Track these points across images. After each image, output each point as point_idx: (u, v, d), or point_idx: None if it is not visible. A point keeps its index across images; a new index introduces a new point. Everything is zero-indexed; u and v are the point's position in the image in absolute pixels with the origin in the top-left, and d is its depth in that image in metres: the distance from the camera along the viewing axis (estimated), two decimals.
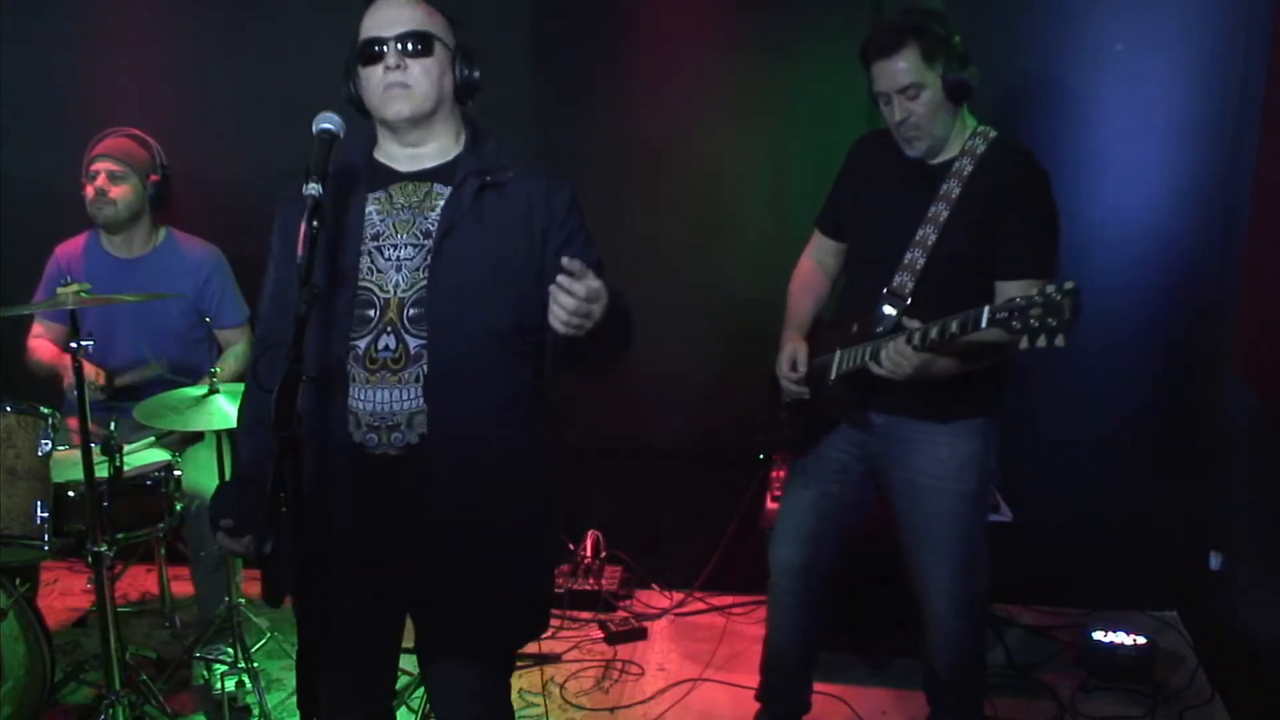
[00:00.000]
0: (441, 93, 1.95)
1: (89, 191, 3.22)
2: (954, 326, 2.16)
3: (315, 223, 1.74)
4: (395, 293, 1.90)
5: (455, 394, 1.90)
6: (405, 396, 1.89)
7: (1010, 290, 2.32)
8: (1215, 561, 3.18)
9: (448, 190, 1.95)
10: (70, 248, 3.34)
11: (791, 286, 2.75)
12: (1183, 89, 3.24)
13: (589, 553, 3.75)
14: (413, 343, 1.89)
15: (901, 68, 2.34)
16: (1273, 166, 2.93)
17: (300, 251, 1.73)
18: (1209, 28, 3.19)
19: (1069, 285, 1.98)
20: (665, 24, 3.53)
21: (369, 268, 1.92)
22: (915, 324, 2.26)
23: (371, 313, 1.89)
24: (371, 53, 1.92)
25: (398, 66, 1.90)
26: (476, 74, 2.01)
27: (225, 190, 3.61)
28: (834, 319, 2.65)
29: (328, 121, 1.85)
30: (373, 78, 1.92)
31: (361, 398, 1.89)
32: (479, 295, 1.91)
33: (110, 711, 2.67)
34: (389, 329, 1.89)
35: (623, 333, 1.88)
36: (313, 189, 1.74)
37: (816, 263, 2.75)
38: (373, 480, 1.92)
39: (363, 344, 1.89)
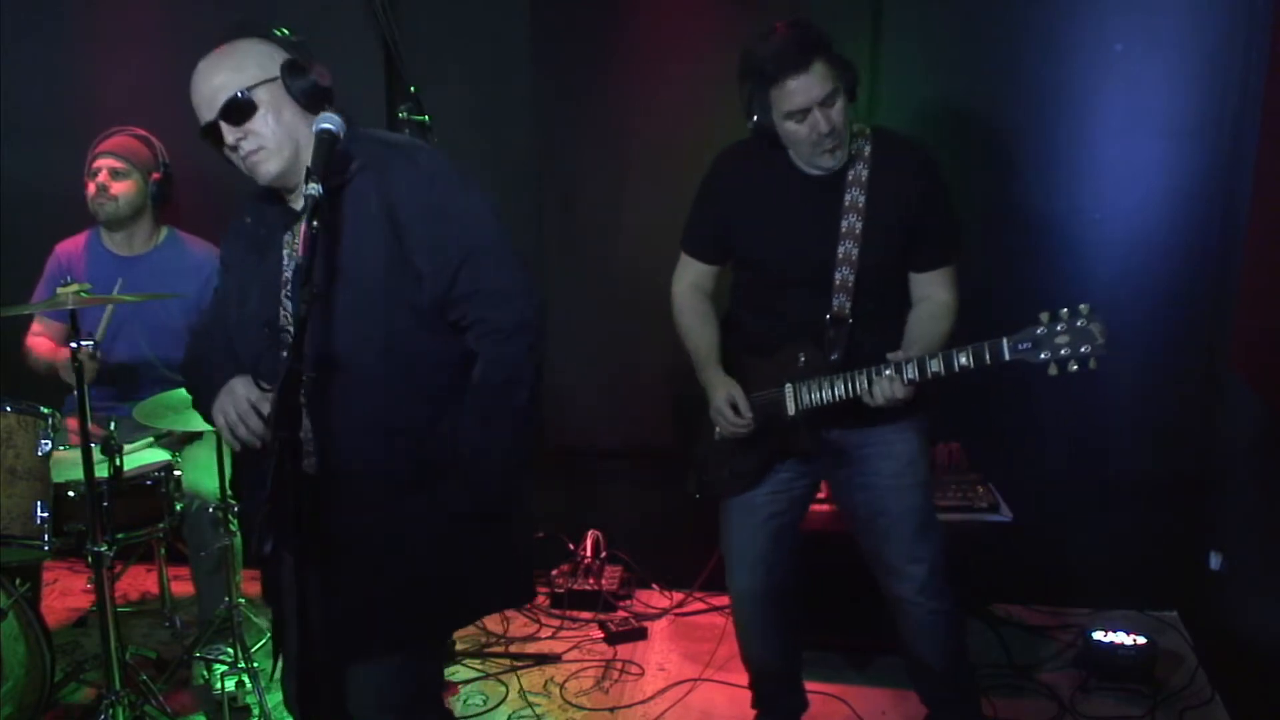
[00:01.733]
0: (292, 127, 1.90)
1: (90, 188, 3.22)
2: (964, 359, 2.17)
3: (315, 223, 1.73)
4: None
5: (344, 420, 1.90)
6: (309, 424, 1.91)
7: (929, 283, 2.42)
8: (1215, 561, 3.18)
9: None
10: (70, 246, 3.34)
11: (684, 320, 2.61)
12: (1183, 89, 3.24)
13: (589, 553, 3.75)
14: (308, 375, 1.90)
15: (820, 77, 2.29)
16: (1273, 166, 2.93)
17: (301, 252, 1.74)
18: (1209, 28, 3.19)
19: (1084, 308, 2.00)
20: (666, 23, 3.53)
21: (283, 315, 1.94)
22: (897, 356, 2.27)
23: (285, 354, 1.86)
24: (212, 138, 1.90)
25: (238, 143, 1.88)
26: (314, 78, 1.92)
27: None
28: (765, 349, 2.52)
29: (328, 122, 1.84)
30: (230, 155, 1.92)
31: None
32: (343, 316, 1.88)
33: (110, 711, 2.67)
34: None
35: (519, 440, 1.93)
36: (313, 189, 1.74)
37: (697, 288, 2.63)
38: (298, 497, 1.90)
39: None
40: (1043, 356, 2.04)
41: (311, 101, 1.91)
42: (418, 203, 1.89)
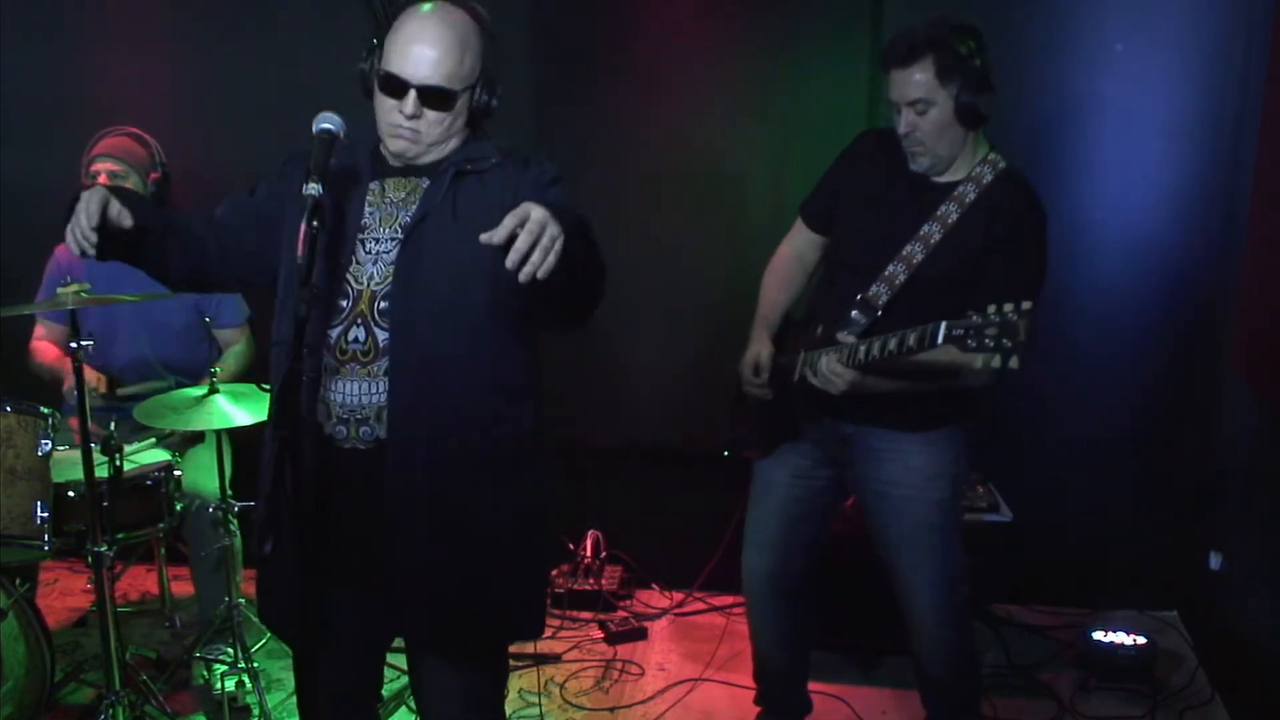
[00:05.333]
0: (450, 134, 1.91)
1: None
2: (911, 340, 2.14)
3: (315, 223, 1.73)
4: (369, 285, 1.88)
5: (419, 390, 1.86)
6: (374, 390, 1.87)
7: None
8: (1215, 561, 3.18)
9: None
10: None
11: (766, 279, 2.68)
12: (1183, 89, 3.24)
13: (589, 553, 3.75)
14: (381, 336, 1.87)
15: (915, 80, 2.29)
16: (1273, 166, 2.93)
17: (300, 251, 1.73)
18: (1209, 28, 3.19)
19: (1025, 305, 1.97)
20: (666, 23, 3.52)
21: (352, 260, 1.90)
22: (849, 339, 2.25)
23: (344, 303, 1.88)
24: (391, 87, 1.86)
25: (413, 116, 1.86)
26: (494, 101, 1.94)
27: (224, 189, 3.57)
28: (804, 318, 2.60)
29: (327, 121, 1.84)
30: (385, 107, 1.88)
31: (332, 388, 1.87)
32: (448, 288, 1.87)
33: (110, 711, 2.67)
34: (359, 320, 1.87)
35: (592, 260, 1.83)
36: (313, 189, 1.74)
37: (796, 254, 2.67)
38: (340, 474, 1.89)
39: (334, 334, 1.88)
40: (971, 345, 2.00)
41: (476, 116, 1.94)
42: (538, 194, 1.88)
